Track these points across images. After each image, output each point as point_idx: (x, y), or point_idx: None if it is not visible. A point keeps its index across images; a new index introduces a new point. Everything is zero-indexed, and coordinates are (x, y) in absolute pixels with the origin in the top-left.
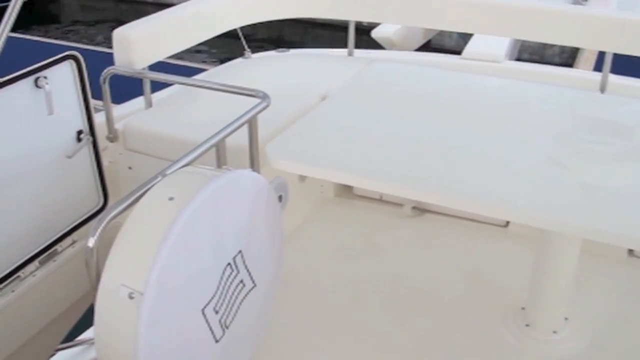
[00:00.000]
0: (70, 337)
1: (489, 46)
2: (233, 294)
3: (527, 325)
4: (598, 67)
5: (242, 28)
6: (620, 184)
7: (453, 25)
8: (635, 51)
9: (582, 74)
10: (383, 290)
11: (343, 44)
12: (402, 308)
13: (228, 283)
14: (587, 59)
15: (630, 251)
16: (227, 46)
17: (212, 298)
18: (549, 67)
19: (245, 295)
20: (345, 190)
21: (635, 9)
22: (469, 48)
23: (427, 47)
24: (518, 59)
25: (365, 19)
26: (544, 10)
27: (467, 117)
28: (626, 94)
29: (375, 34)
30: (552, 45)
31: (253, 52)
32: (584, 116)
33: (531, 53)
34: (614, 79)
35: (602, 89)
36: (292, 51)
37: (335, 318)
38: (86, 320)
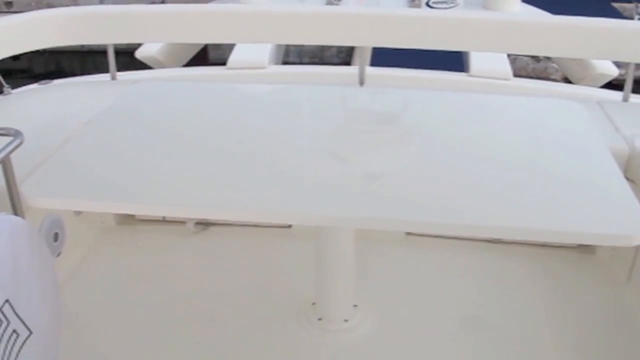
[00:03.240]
0: None
1: (253, 53)
2: (7, 345)
3: (319, 319)
4: (373, 62)
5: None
6: (396, 169)
7: (213, 37)
8: (386, 43)
9: (342, 69)
10: (177, 311)
11: (126, 68)
12: (199, 324)
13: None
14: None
15: (408, 232)
16: None
17: None
18: (313, 67)
19: (22, 345)
20: (127, 217)
21: (380, 5)
22: (233, 57)
23: (206, 61)
24: (300, 63)
25: (122, 41)
26: (302, 14)
27: (240, 127)
28: (383, 83)
29: (139, 54)
30: (329, 47)
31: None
32: (352, 109)
33: (311, 56)
34: (372, 71)
35: (361, 82)
36: (56, 81)
37: (133, 348)
38: None
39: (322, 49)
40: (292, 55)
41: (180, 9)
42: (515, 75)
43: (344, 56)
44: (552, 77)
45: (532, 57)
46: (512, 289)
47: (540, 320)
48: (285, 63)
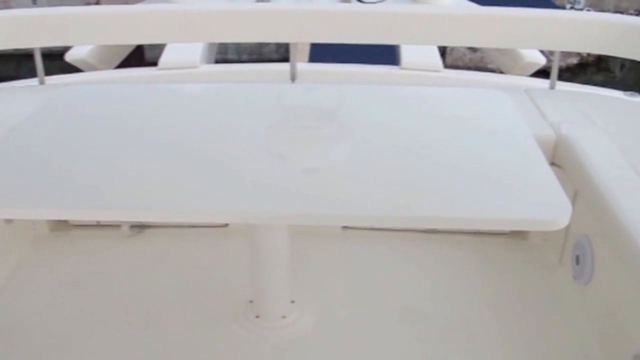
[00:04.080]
0: None
1: (184, 53)
2: None
3: (257, 316)
4: (312, 58)
5: None
6: (331, 164)
7: (143, 38)
8: (317, 39)
9: (274, 66)
10: (114, 316)
11: (62, 72)
12: (136, 328)
13: None
14: (301, 51)
15: (345, 226)
16: None
17: None
18: (245, 65)
19: None
20: (61, 223)
21: (313, 1)
22: (164, 58)
23: (142, 61)
24: (239, 60)
25: (49, 44)
26: (231, 12)
27: (171, 128)
28: (316, 79)
29: (68, 57)
30: (267, 43)
31: None
32: (285, 106)
33: (250, 53)
34: (304, 67)
35: (293, 78)
36: None
37: (69, 356)
38: None
39: (261, 45)
40: (231, 52)
41: (107, 10)
42: (453, 65)
43: (283, 52)
44: (489, 66)
45: (468, 47)
46: (450, 277)
47: (477, 306)
48: (224, 60)
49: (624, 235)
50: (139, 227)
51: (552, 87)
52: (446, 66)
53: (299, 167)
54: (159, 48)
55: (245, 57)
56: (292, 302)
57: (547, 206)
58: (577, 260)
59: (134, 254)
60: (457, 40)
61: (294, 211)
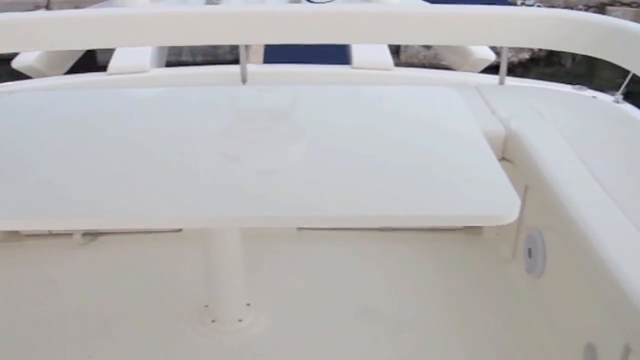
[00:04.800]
0: None
1: (133, 57)
2: None
3: (213, 321)
4: (267, 59)
5: None
6: (285, 166)
7: (90, 43)
8: (267, 40)
9: (225, 69)
10: (68, 326)
11: (15, 78)
12: (91, 337)
13: None
14: (255, 52)
15: (300, 227)
16: None
17: None
18: (195, 68)
19: None
20: (12, 234)
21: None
22: (113, 63)
23: (94, 65)
24: (194, 62)
25: None
26: (179, 15)
27: (122, 133)
28: (267, 80)
29: (15, 64)
30: (222, 45)
31: None
32: (240, 108)
33: (204, 55)
34: (255, 69)
35: (244, 80)
36: None
37: None
38: None
39: (215, 46)
40: (185, 54)
41: (54, 15)
42: (408, 63)
43: (237, 53)
44: (443, 63)
45: (423, 45)
46: (406, 274)
47: (434, 302)
48: (178, 62)
49: (574, 228)
50: (92, 235)
51: (501, 82)
52: (401, 64)
53: (252, 169)
54: (110, 52)
55: (199, 58)
56: (248, 305)
57: (496, 201)
58: (530, 253)
59: (87, 262)
60: (407, 39)
61: (247, 214)
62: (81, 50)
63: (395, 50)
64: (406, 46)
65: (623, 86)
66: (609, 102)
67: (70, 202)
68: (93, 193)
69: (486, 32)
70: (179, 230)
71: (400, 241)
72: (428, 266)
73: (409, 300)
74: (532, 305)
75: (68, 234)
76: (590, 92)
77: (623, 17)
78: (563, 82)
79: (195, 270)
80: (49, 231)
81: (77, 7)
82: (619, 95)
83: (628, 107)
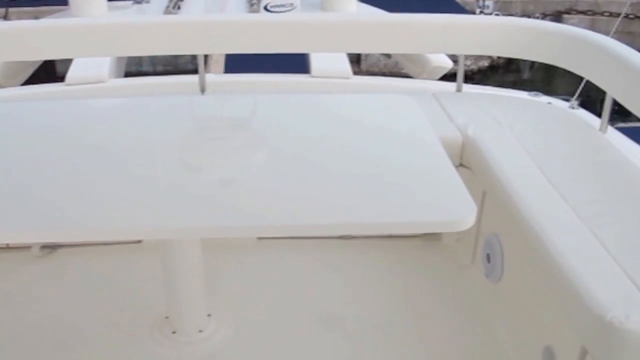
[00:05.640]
0: None
1: (91, 68)
2: None
3: (173, 332)
4: (228, 69)
5: None
6: (245, 175)
7: (47, 53)
8: (225, 49)
9: (183, 78)
10: (25, 340)
11: None
12: (50, 351)
13: None
14: (216, 62)
15: (260, 237)
16: None
17: None
18: (154, 77)
19: None
20: None
21: (224, 11)
22: (71, 73)
23: (53, 75)
24: (154, 71)
25: None
26: (136, 25)
27: (80, 144)
28: (226, 89)
29: None
30: (183, 55)
31: None
32: (199, 118)
33: (165, 64)
34: (214, 78)
35: (202, 90)
36: None
37: None
38: None
39: (176, 56)
40: (146, 64)
41: (9, 25)
42: (369, 71)
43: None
44: (404, 71)
45: (383, 53)
46: (366, 281)
47: (394, 308)
48: (139, 72)
49: (531, 233)
50: (50, 248)
51: (458, 90)
52: (362, 72)
53: (212, 179)
54: (70, 61)
55: (160, 68)
56: (209, 315)
57: (453, 208)
58: (488, 258)
59: (45, 276)
60: (365, 47)
61: (207, 225)
62: (39, 61)
63: (356, 59)
64: (367, 55)
65: (578, 92)
66: (564, 108)
67: (28, 215)
68: (51, 204)
69: (444, 40)
70: (139, 241)
71: (361, 248)
72: (388, 273)
73: (370, 306)
74: (491, 310)
75: (26, 247)
76: (546, 98)
77: (579, 25)
78: (522, 89)
79: (155, 282)
80: (6, 244)
81: (36, 17)
82: (574, 102)
83: (583, 113)
